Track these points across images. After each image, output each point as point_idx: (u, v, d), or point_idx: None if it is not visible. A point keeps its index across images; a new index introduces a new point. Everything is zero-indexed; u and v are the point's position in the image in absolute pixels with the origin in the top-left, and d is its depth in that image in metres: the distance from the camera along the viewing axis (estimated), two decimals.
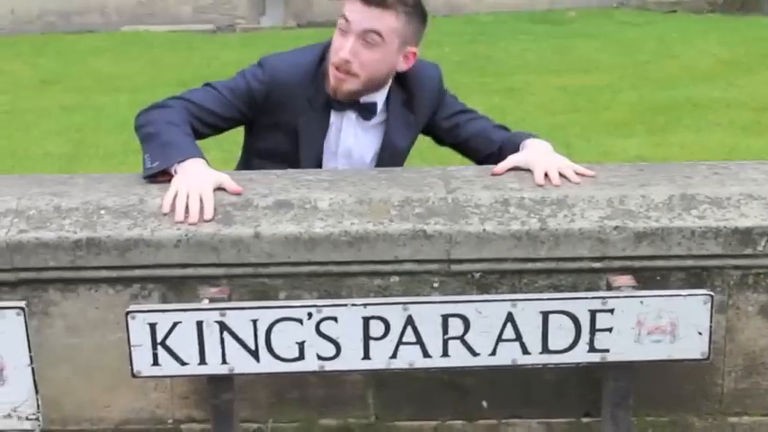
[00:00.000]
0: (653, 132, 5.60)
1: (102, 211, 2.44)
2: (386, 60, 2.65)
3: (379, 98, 2.75)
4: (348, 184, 2.53)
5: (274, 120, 2.73)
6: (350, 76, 2.64)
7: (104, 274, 2.40)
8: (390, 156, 2.82)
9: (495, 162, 2.66)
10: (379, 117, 2.79)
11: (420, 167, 2.72)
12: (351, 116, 2.77)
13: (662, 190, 2.45)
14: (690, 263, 2.39)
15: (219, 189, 2.48)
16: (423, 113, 2.82)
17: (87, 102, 6.49)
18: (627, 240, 2.37)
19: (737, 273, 2.42)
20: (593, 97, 6.35)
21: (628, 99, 6.30)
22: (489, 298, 2.30)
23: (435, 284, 2.42)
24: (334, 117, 2.76)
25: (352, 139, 2.79)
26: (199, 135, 2.68)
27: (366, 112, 2.76)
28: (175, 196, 2.44)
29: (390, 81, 2.74)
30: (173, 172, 2.50)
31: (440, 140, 2.94)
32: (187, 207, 2.42)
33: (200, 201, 2.43)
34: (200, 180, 2.46)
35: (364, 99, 2.73)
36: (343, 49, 2.61)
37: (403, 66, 2.71)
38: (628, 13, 9.46)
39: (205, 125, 2.69)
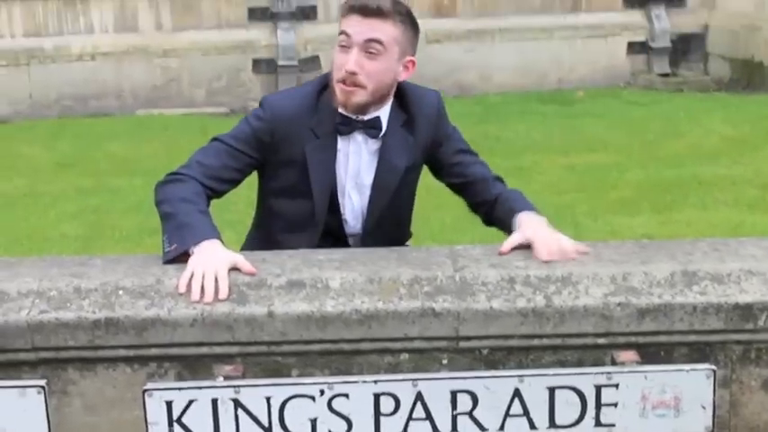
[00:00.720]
0: (659, 210, 5.67)
1: (121, 292, 2.51)
2: (389, 69, 2.76)
3: (383, 114, 2.84)
4: (359, 264, 2.60)
5: (283, 156, 2.82)
6: (357, 87, 2.74)
7: (122, 353, 2.47)
8: (388, 173, 2.88)
9: (487, 212, 2.91)
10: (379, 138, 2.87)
11: (429, 247, 2.79)
12: (357, 138, 2.86)
13: (664, 267, 2.52)
14: (692, 338, 2.44)
15: (234, 269, 2.56)
16: (422, 136, 2.89)
17: (103, 184, 6.59)
18: (630, 316, 2.43)
19: (740, 347, 2.47)
20: (600, 176, 6.43)
21: (634, 178, 6.38)
22: (497, 374, 2.35)
23: (444, 361, 2.47)
24: (341, 143, 2.85)
25: (359, 161, 2.87)
26: (219, 193, 2.80)
27: (372, 129, 2.84)
28: (191, 277, 2.52)
29: (392, 97, 2.84)
30: (189, 252, 2.58)
31: (438, 174, 3.02)
32: (203, 287, 2.49)
33: (216, 281, 2.50)
34: (215, 261, 2.54)
35: (369, 115, 2.81)
36: (347, 62, 2.71)
37: (404, 75, 2.82)
38: (635, 92, 9.58)
39: (222, 182, 2.79)
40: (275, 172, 2.86)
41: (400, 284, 2.50)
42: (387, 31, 2.73)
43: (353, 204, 2.92)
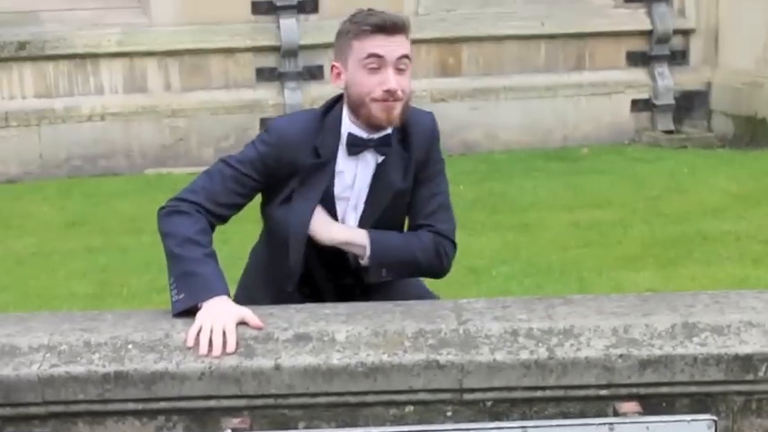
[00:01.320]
0: (663, 266, 5.71)
1: (130, 346, 2.56)
2: (410, 81, 2.86)
3: (390, 130, 2.90)
4: (364, 318, 2.64)
5: (286, 175, 2.87)
6: (397, 102, 2.81)
7: (131, 406, 2.51)
8: (383, 190, 2.92)
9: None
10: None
11: (433, 301, 2.84)
12: (366, 156, 2.91)
13: (664, 319, 2.56)
14: (693, 389, 2.48)
15: (242, 323, 2.61)
16: (416, 153, 2.93)
17: (112, 243, 6.64)
18: (632, 368, 2.47)
19: (740, 398, 2.51)
20: (604, 232, 6.47)
21: (639, 234, 6.42)
22: (501, 426, 2.39)
23: (449, 413, 2.51)
24: (348, 163, 2.90)
25: (364, 179, 2.93)
26: (224, 219, 2.87)
27: (385, 146, 2.90)
28: (200, 331, 2.57)
29: None
30: (198, 306, 2.63)
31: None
32: (211, 341, 2.53)
33: (224, 335, 2.55)
34: (223, 315, 2.59)
35: (381, 133, 2.88)
36: (387, 82, 2.78)
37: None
38: (639, 149, 9.65)
39: (227, 207, 2.85)
40: (278, 188, 2.90)
41: (405, 337, 2.54)
42: (407, 45, 2.84)
43: (350, 221, 2.96)
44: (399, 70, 2.81)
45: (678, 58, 10.29)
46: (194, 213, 2.79)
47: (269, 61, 9.55)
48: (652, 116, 10.21)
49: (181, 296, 2.70)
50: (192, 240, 2.74)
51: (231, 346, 2.54)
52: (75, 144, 9.33)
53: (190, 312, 2.65)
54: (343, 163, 2.91)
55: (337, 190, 2.92)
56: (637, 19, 10.18)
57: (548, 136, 9.99)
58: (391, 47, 2.79)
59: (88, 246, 6.62)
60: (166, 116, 9.46)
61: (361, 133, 2.88)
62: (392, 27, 2.80)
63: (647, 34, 10.17)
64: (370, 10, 2.87)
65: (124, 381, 2.49)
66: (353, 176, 2.93)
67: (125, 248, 6.49)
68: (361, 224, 2.95)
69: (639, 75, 10.23)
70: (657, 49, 10.15)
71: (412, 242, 2.95)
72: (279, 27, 9.46)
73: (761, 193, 7.43)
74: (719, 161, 8.85)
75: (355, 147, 2.89)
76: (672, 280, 5.45)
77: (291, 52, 9.44)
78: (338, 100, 2.94)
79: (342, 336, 2.55)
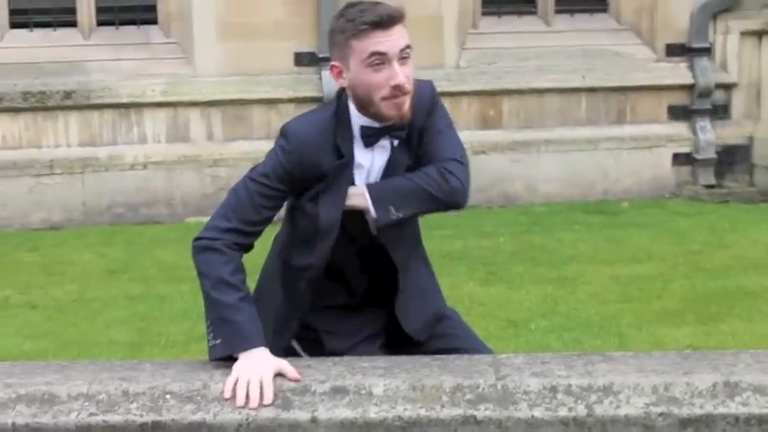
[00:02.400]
0: (704, 322, 5.65)
1: (168, 396, 2.57)
2: (413, 67, 2.83)
3: None
4: (402, 371, 2.64)
5: (311, 177, 2.85)
6: (406, 95, 2.79)
7: None
8: (395, 169, 2.92)
9: None
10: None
11: (471, 356, 2.82)
12: (382, 143, 2.90)
13: (706, 377, 2.53)
14: None
15: (279, 375, 2.61)
16: (417, 123, 2.91)
17: (152, 291, 6.68)
18: (672, 427, 2.44)
19: None
20: (644, 287, 6.43)
21: (679, 289, 6.37)
22: None
23: None
24: (365, 154, 2.89)
25: (382, 163, 2.92)
26: (257, 235, 2.86)
27: (399, 130, 2.88)
28: (237, 382, 2.57)
29: None
30: (235, 356, 2.65)
31: None
32: (248, 393, 2.54)
33: (261, 387, 2.55)
34: (261, 367, 2.59)
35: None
36: (395, 76, 2.75)
37: None
38: (680, 203, 9.59)
39: (258, 224, 2.84)
40: (303, 190, 2.88)
41: (443, 392, 2.53)
42: (406, 34, 2.80)
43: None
44: (402, 60, 2.77)
45: (720, 112, 10.25)
46: (227, 251, 2.78)
47: None
48: (693, 170, 10.16)
49: (218, 341, 2.72)
50: (226, 283, 2.74)
51: (268, 398, 2.54)
52: (118, 192, 9.41)
53: (227, 359, 2.66)
54: (361, 155, 2.89)
55: (357, 182, 2.91)
56: (678, 73, 10.18)
57: (588, 189, 9.96)
58: (392, 41, 2.75)
59: (128, 293, 6.66)
60: (208, 165, 9.53)
61: (374, 124, 2.86)
62: (389, 21, 2.75)
63: (689, 88, 10.15)
64: (361, 3, 2.81)
65: (161, 431, 2.49)
66: (370, 165, 2.91)
67: (164, 297, 6.52)
68: None
69: (681, 129, 10.20)
70: (699, 103, 10.12)
71: (412, 175, 2.91)
72: (321, 78, 9.53)
73: None
74: (761, 216, 8.79)
75: (370, 138, 2.87)
76: (712, 336, 5.40)
77: None
78: (342, 92, 2.90)
79: (379, 389, 2.55)
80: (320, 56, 9.58)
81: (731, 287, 6.34)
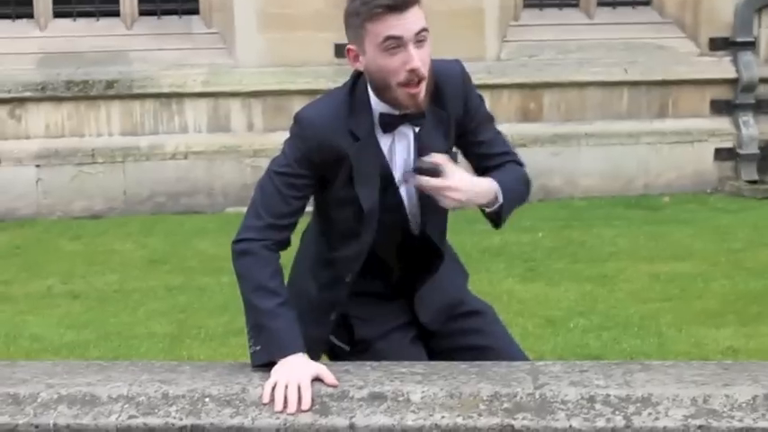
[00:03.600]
0: (745, 323, 5.60)
1: (207, 399, 2.60)
2: (430, 49, 2.77)
3: None
4: (440, 378, 2.64)
5: (330, 166, 2.81)
6: (422, 82, 2.74)
7: None
8: (426, 154, 2.85)
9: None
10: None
11: (509, 363, 2.82)
12: (402, 130, 2.86)
13: (746, 390, 2.51)
14: None
15: (317, 380, 2.62)
16: (453, 109, 2.89)
17: (191, 282, 6.72)
18: None
19: None
20: (685, 285, 6.38)
21: (720, 288, 6.32)
22: None
23: None
24: (384, 140, 2.86)
25: (406, 152, 2.89)
26: (293, 226, 2.84)
27: (417, 118, 2.84)
28: (275, 386, 2.59)
29: None
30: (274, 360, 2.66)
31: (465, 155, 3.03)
32: (286, 397, 2.55)
33: (299, 391, 2.57)
34: (299, 372, 2.61)
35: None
36: (410, 60, 2.70)
37: None
38: (722, 198, 9.52)
39: (291, 215, 2.82)
40: (329, 175, 2.85)
41: (480, 400, 2.53)
42: (422, 15, 2.74)
43: (407, 198, 2.93)
44: (419, 43, 2.72)
45: (764, 106, 10.15)
46: (265, 253, 2.78)
47: None
48: (736, 165, 10.07)
49: (257, 348, 2.74)
50: (264, 288, 2.75)
51: (306, 403, 2.55)
52: (159, 182, 9.48)
53: (267, 365, 2.68)
54: (381, 140, 2.86)
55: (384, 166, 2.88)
56: (722, 67, 10.08)
57: (629, 183, 9.91)
58: (407, 24, 2.70)
59: (168, 284, 6.71)
60: (248, 156, 9.57)
61: (392, 111, 2.82)
62: (404, 3, 2.69)
63: (732, 82, 10.06)
64: None
65: None
66: (390, 152, 2.88)
67: (204, 288, 6.57)
68: (420, 196, 2.91)
69: (723, 123, 10.11)
70: (742, 98, 10.03)
71: (518, 179, 2.95)
72: None
73: None
74: None
75: (390, 125, 2.83)
76: (753, 338, 5.35)
77: None
78: (359, 75, 2.85)
79: (417, 396, 2.55)
80: None
81: None
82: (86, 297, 6.49)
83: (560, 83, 9.80)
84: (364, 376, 2.67)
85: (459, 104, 2.90)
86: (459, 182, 2.78)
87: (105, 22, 9.89)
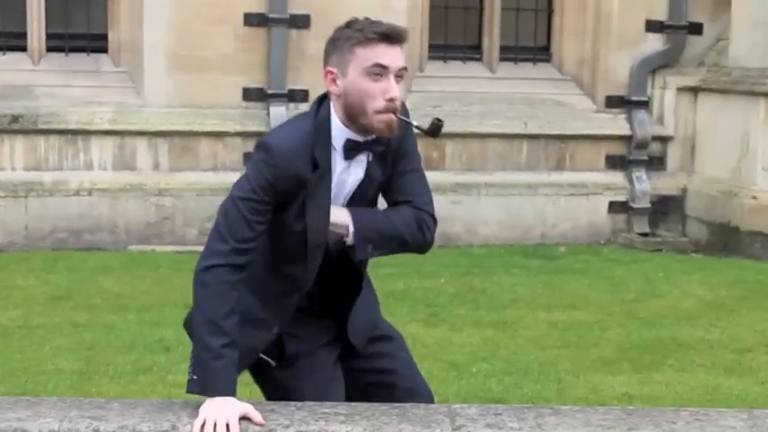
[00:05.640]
0: (639, 371, 5.84)
1: None
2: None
3: None
4: (362, 418, 2.78)
5: (288, 193, 2.94)
6: (395, 113, 2.91)
7: None
8: (368, 184, 3.05)
9: None
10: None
11: (428, 405, 2.96)
12: (359, 157, 3.01)
13: None
14: None
15: (244, 419, 2.73)
16: (393, 143, 3.02)
17: (97, 319, 6.71)
18: None
19: None
20: (582, 333, 6.61)
21: (615, 337, 6.57)
22: None
23: None
24: (341, 165, 2.99)
25: (356, 178, 3.03)
26: (253, 249, 2.93)
27: (378, 145, 2.99)
28: (204, 424, 2.69)
29: None
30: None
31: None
32: None
33: (227, 429, 2.67)
34: (227, 410, 2.72)
35: (373, 135, 2.96)
36: (390, 90, 2.88)
37: None
38: (615, 250, 9.85)
39: (253, 240, 2.92)
40: (285, 203, 2.96)
41: None
42: (404, 57, 2.94)
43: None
44: (398, 78, 2.91)
45: (656, 163, 10.57)
46: (225, 287, 2.85)
47: None
48: (628, 218, 10.45)
49: (195, 378, 2.84)
50: (216, 325, 2.83)
51: None
52: (61, 217, 9.43)
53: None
54: (338, 166, 2.99)
55: (334, 193, 3.01)
56: (617, 124, 10.49)
57: (526, 233, 10.19)
58: (395, 57, 2.90)
59: (73, 321, 6.69)
60: (153, 194, 9.59)
61: (358, 137, 2.97)
62: (397, 37, 2.90)
63: (627, 139, 10.46)
64: (367, 19, 2.96)
65: None
66: (346, 177, 3.02)
67: (110, 326, 6.57)
68: None
69: (618, 178, 10.49)
70: (636, 154, 10.44)
71: (393, 216, 3.05)
72: (269, 114, 9.67)
73: (733, 300, 7.62)
74: (693, 266, 9.05)
75: (353, 151, 2.98)
76: (647, 385, 5.59)
77: None
78: (321, 101, 3.01)
79: None
80: (269, 92, 9.74)
81: (665, 337, 6.56)
82: None
83: (462, 133, 10.04)
84: (290, 416, 2.79)
85: (397, 142, 3.03)
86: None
87: (12, 56, 9.84)
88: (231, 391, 2.80)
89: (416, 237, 3.06)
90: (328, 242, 3.03)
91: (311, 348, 3.13)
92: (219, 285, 2.86)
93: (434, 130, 3.04)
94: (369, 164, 3.03)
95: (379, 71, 2.88)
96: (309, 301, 3.13)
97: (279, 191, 2.92)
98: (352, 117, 2.93)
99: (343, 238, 3.01)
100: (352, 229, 2.99)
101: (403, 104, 3.02)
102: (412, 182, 3.10)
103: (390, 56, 2.89)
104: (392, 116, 2.89)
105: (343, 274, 3.13)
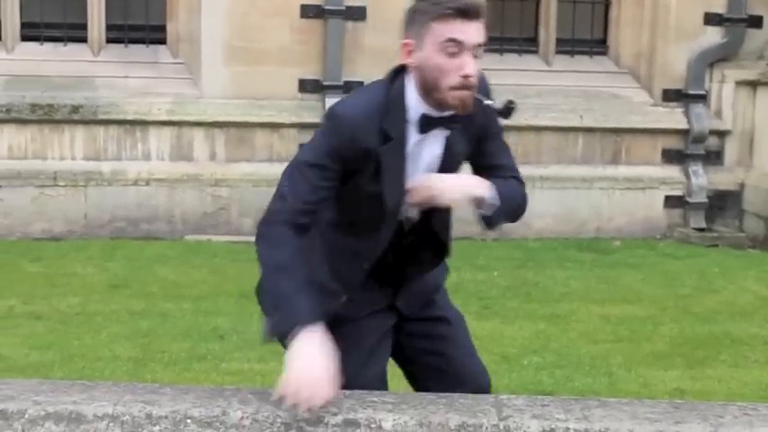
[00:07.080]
0: (692, 366, 5.81)
1: (189, 420, 2.73)
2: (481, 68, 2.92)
3: None
4: (410, 407, 2.80)
5: (357, 163, 2.93)
6: (471, 89, 2.86)
7: None
8: (451, 160, 3.03)
9: None
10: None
11: (475, 395, 2.99)
12: (436, 132, 2.98)
13: (695, 428, 2.69)
14: None
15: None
16: (477, 122, 3.00)
17: (153, 308, 6.81)
18: None
19: None
20: (635, 328, 6.59)
21: (668, 332, 6.53)
22: None
23: None
24: (415, 139, 2.97)
25: (433, 154, 3.02)
26: (312, 213, 2.93)
27: (454, 123, 2.96)
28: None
29: None
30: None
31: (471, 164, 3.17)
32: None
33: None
34: (312, 377, 2.71)
35: (449, 111, 2.93)
36: (465, 67, 2.82)
37: None
38: (671, 245, 9.78)
39: (315, 203, 2.92)
40: (354, 171, 2.95)
41: (448, 429, 2.69)
42: (483, 31, 2.88)
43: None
44: (474, 57, 2.84)
45: (713, 157, 10.48)
46: (287, 235, 2.85)
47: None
48: (684, 213, 10.36)
49: (275, 321, 2.83)
50: (284, 269, 2.82)
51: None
52: (119, 207, 9.57)
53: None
54: (414, 140, 2.97)
55: (409, 167, 2.99)
56: (674, 118, 10.40)
57: (581, 227, 10.16)
58: (471, 33, 2.82)
59: (130, 309, 6.79)
60: (210, 185, 9.69)
61: (433, 112, 2.93)
62: (474, 12, 2.83)
63: (684, 133, 10.37)
64: None
65: None
66: (420, 152, 3.00)
67: (166, 314, 6.66)
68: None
69: (674, 172, 10.41)
70: (693, 148, 10.34)
71: (513, 187, 3.08)
72: (324, 105, 9.70)
73: None
74: (750, 262, 8.97)
75: (428, 126, 2.95)
76: (699, 381, 5.56)
77: None
78: (397, 73, 2.98)
79: (389, 424, 2.71)
80: (324, 83, 9.78)
81: (718, 333, 6.51)
82: (49, 318, 6.56)
83: (518, 126, 10.01)
84: (338, 404, 2.82)
85: (482, 117, 3.01)
86: (448, 183, 2.96)
87: (72, 47, 10.00)
88: (316, 318, 2.77)
89: (525, 208, 3.15)
90: (401, 213, 3.04)
91: (361, 315, 3.13)
92: (280, 236, 2.86)
93: (507, 111, 3.03)
94: (448, 140, 3.00)
95: (453, 47, 2.82)
96: (381, 269, 3.13)
97: (345, 159, 2.91)
98: (428, 91, 2.90)
99: (478, 208, 2.98)
100: (493, 198, 2.96)
101: (483, 80, 2.98)
102: (507, 157, 3.15)
103: (466, 31, 2.83)
104: (466, 92, 2.84)
105: (425, 247, 3.14)
